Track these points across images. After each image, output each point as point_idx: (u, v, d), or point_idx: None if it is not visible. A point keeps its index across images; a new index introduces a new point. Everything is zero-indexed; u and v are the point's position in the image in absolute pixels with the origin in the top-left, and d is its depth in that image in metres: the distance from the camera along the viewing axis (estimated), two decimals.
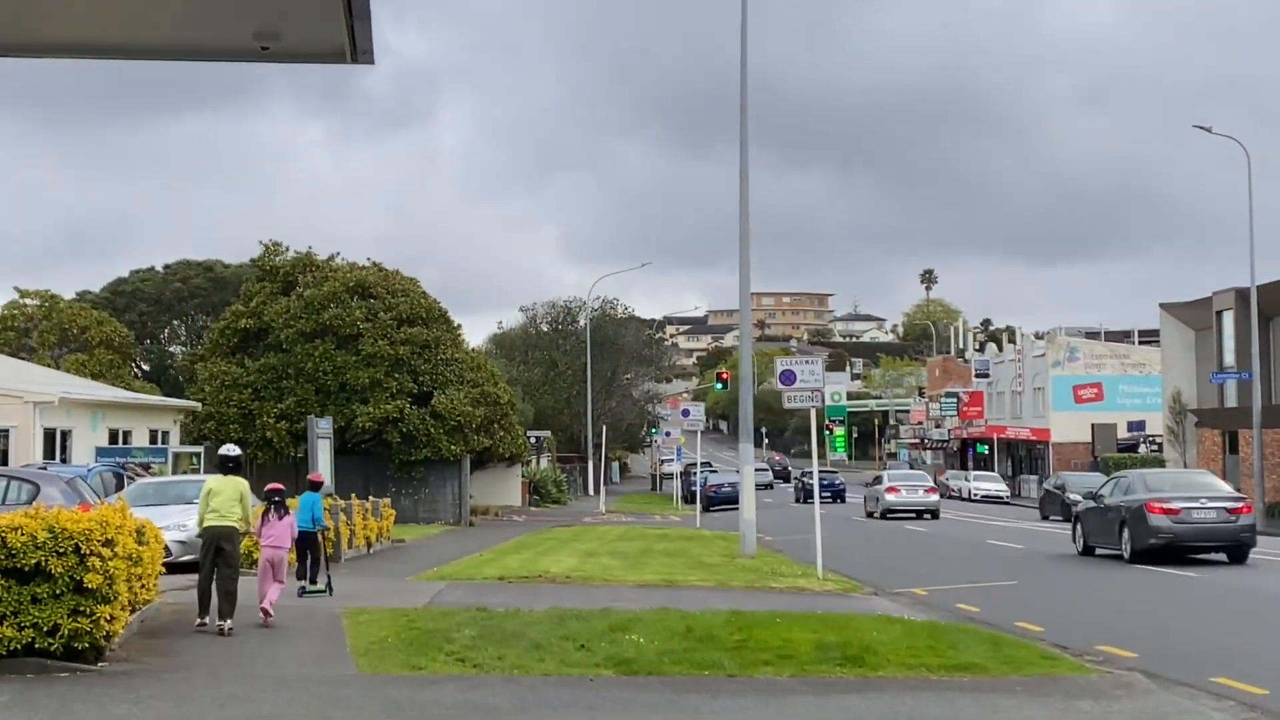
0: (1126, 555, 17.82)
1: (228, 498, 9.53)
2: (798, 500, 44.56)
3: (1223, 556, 18.13)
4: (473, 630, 9.05)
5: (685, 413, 36.11)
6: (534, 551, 19.58)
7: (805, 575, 15.26)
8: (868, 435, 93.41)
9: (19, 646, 6.91)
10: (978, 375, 64.86)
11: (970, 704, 7.02)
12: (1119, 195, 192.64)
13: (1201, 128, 35.58)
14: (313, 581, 11.96)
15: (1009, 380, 61.22)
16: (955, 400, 65.44)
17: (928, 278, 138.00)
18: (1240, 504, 18.76)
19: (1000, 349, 68.00)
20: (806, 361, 19.75)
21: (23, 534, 7.00)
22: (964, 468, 59.19)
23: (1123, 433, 50.97)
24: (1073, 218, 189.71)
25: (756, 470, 43.04)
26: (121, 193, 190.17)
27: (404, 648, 8.38)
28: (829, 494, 44.27)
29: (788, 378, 16.91)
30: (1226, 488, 20.71)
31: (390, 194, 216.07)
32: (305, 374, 29.24)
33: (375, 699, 6.68)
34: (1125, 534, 17.90)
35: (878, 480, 37.47)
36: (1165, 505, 17.64)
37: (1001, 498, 48.31)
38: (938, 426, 70.31)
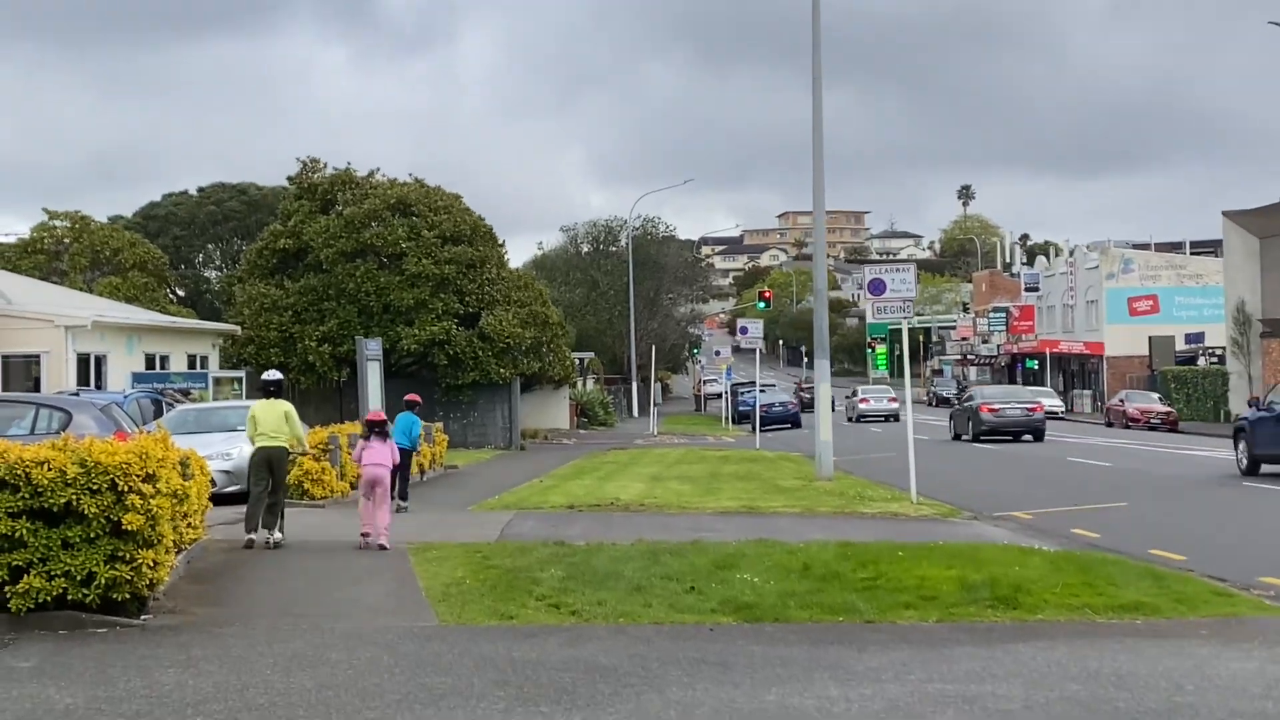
0: (970, 436, 29.92)
1: (274, 420, 9.64)
2: (849, 419, 43.92)
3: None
4: (559, 569, 8.04)
5: (743, 330, 34.73)
6: (595, 477, 18.91)
7: (896, 499, 14.29)
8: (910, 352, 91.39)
9: (49, 598, 5.90)
10: (1027, 289, 62.91)
11: (1162, 654, 5.85)
12: (1153, 108, 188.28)
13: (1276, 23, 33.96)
14: (403, 497, 12.51)
15: (1060, 294, 59.45)
16: (1004, 315, 63.58)
17: (965, 193, 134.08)
18: (1035, 404, 31.18)
19: (1049, 262, 65.55)
20: (897, 269, 18.13)
21: (50, 469, 5.94)
22: (1013, 384, 54.75)
23: (1180, 345, 49.26)
24: (1107, 132, 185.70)
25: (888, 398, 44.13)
26: (145, 118, 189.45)
27: (486, 591, 7.37)
28: (884, 416, 43.83)
29: (876, 287, 15.64)
30: (1029, 394, 35.07)
31: (414, 118, 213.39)
32: (347, 295, 28.15)
33: (467, 659, 5.58)
34: (970, 423, 30.08)
35: (969, 398, 33.66)
36: (990, 406, 29.91)
37: (1057, 413, 45.83)
38: (985, 342, 68.60)
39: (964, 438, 30.16)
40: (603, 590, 7.29)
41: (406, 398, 14.37)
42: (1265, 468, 17.51)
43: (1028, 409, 30.18)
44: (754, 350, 34.92)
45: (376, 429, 10.01)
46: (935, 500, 14.30)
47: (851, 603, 7.02)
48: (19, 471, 5.94)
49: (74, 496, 5.90)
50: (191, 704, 4.64)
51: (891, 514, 12.95)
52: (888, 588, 7.47)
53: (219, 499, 10.60)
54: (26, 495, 5.90)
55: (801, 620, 6.68)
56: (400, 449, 11.36)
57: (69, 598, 5.93)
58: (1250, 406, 19.76)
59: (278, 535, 9.40)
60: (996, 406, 29.85)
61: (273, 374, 10.40)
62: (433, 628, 6.49)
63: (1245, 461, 18.00)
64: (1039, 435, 29.60)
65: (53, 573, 5.86)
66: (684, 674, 5.34)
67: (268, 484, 9.35)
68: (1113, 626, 6.63)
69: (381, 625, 6.65)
